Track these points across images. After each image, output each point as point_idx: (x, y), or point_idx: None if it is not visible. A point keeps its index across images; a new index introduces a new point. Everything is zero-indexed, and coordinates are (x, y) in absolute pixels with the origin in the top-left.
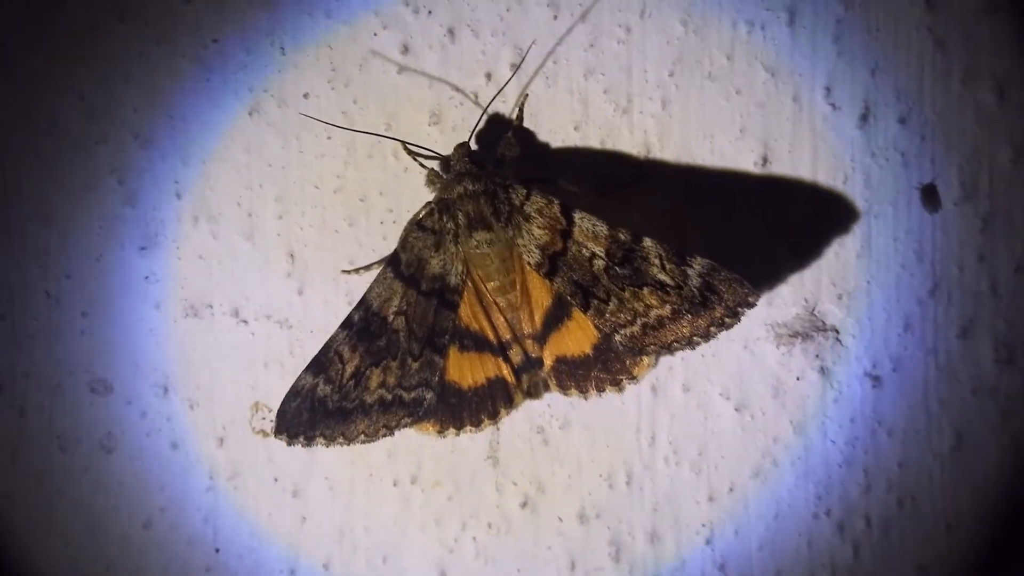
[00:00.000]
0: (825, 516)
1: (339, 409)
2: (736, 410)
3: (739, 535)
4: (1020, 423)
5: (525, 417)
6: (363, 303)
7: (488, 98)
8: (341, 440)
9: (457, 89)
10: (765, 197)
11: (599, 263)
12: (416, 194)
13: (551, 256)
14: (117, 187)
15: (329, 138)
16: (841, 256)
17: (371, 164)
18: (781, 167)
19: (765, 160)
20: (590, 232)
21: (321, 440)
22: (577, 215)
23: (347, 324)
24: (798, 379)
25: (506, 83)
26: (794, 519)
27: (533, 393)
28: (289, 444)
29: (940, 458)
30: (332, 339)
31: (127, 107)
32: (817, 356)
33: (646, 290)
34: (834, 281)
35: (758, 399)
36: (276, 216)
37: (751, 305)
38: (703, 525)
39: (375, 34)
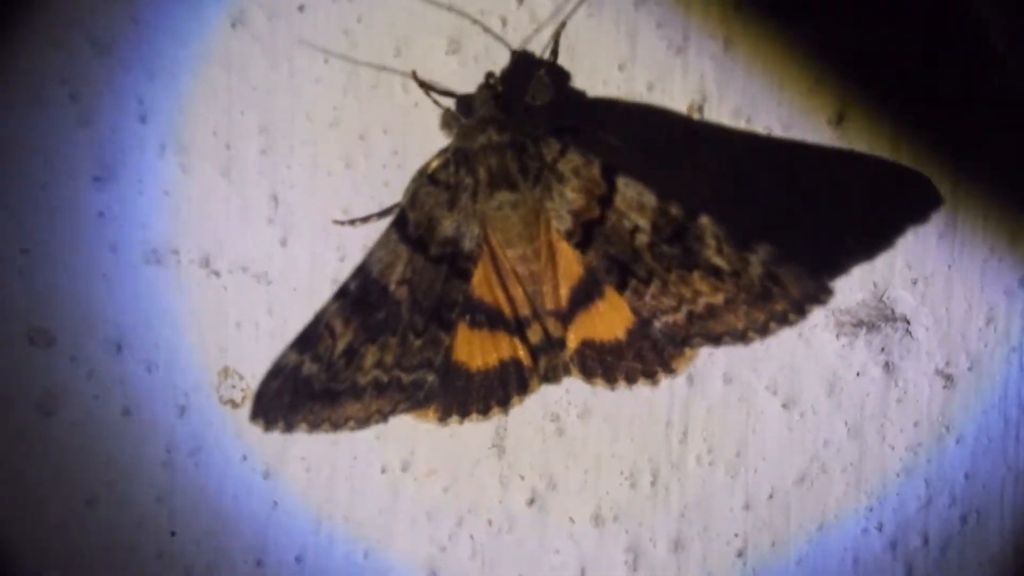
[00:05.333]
0: (876, 531)
1: (326, 391)
2: (783, 407)
3: (776, 548)
4: None
5: (538, 402)
6: (362, 269)
7: (517, 24)
8: (327, 427)
9: (482, 12)
10: (837, 161)
11: (642, 238)
12: (427, 135)
13: (585, 224)
14: (68, 103)
15: (326, 61)
16: (920, 235)
17: (375, 96)
18: (859, 126)
19: (841, 117)
20: (635, 201)
21: (304, 426)
22: (621, 180)
23: (342, 293)
24: (858, 374)
25: (550, 18)
26: (840, 533)
27: (551, 377)
28: (267, 430)
29: (1014, 471)
30: (323, 311)
31: (83, 6)
32: (882, 349)
33: (696, 274)
34: (909, 263)
35: (810, 395)
36: (259, 150)
37: (822, 302)
38: (735, 535)
39: None
